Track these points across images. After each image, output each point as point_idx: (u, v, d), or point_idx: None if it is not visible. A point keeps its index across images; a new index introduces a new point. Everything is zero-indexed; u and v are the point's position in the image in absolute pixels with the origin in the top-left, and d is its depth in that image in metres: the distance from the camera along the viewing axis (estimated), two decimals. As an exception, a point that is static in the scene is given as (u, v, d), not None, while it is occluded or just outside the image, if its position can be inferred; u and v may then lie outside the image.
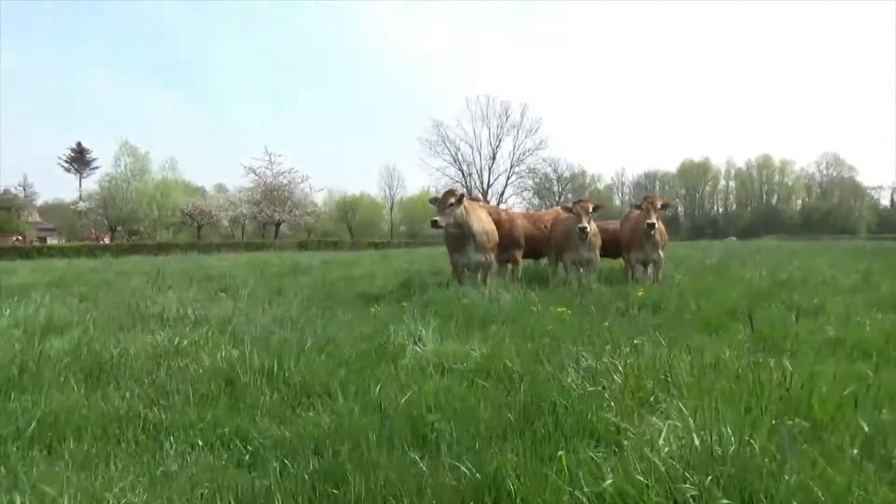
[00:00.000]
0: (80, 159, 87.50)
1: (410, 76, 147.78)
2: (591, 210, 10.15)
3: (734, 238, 73.26)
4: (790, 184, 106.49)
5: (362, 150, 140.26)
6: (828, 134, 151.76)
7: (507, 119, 79.59)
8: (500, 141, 79.97)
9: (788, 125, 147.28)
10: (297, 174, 68.21)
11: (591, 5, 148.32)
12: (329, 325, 5.96)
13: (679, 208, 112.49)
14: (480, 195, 78.50)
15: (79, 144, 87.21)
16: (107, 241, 58.23)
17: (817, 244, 31.04)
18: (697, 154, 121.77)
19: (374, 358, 4.39)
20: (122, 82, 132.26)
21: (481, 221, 9.83)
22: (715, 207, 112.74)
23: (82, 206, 71.26)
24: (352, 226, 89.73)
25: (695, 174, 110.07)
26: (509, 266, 11.86)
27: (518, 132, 79.44)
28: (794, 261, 15.53)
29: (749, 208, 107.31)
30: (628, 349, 4.26)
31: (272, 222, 68.07)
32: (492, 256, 10.02)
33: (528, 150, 79.56)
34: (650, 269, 10.82)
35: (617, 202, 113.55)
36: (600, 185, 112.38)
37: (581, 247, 10.31)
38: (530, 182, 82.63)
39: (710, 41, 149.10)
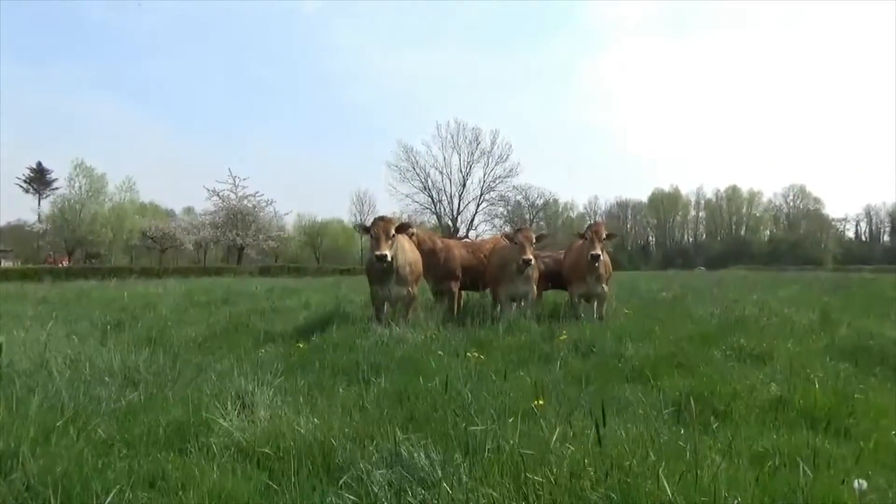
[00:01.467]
0: (39, 179, 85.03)
1: (385, 101, 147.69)
2: (534, 240, 9.25)
3: (703, 268, 73.41)
4: (758, 215, 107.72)
5: (336, 175, 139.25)
6: (794, 165, 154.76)
7: (477, 145, 79.03)
8: (470, 167, 79.33)
9: (757, 156, 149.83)
10: (262, 198, 66.76)
11: (561, 37, 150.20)
12: (179, 378, 4.87)
13: (650, 238, 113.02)
14: (450, 222, 77.76)
15: (39, 164, 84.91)
16: (66, 264, 56.09)
17: (782, 276, 30.58)
18: (668, 184, 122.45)
19: (163, 437, 3.31)
20: (93, 101, 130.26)
21: (405, 252, 8.89)
22: (685, 237, 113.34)
23: (38, 227, 68.92)
24: (319, 251, 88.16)
25: (665, 204, 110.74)
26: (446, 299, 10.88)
27: (488, 159, 78.90)
28: (754, 294, 14.79)
29: (719, 238, 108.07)
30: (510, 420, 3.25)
31: (235, 246, 66.38)
32: (415, 289, 9.07)
33: (499, 178, 78.92)
34: (595, 304, 9.91)
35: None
36: (573, 214, 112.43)
37: (517, 279, 9.38)
38: (501, 209, 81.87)
39: (678, 73, 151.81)
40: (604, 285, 9.59)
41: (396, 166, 78.01)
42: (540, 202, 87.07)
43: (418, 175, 78.33)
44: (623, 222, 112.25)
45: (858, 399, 4.61)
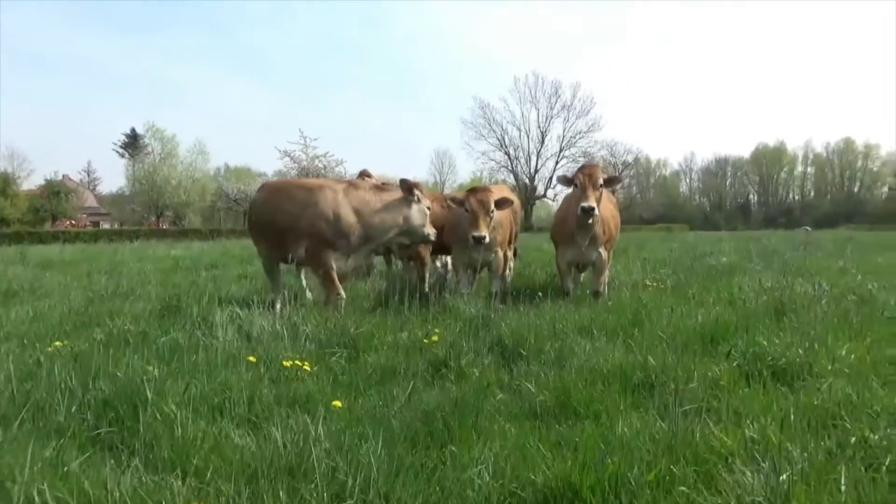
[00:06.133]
0: (133, 144, 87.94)
1: (461, 58, 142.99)
2: (492, 209, 6.72)
3: (808, 228, 66.58)
4: (875, 170, 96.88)
5: (416, 136, 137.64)
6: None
7: (557, 99, 74.51)
8: (549, 122, 75.04)
9: (873, 107, 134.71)
10: (333, 158, 65.63)
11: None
12: None
13: (751, 196, 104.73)
14: (527, 180, 74.31)
15: (132, 130, 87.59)
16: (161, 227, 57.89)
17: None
18: (772, 138, 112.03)
19: None
20: (191, 69, 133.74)
21: None
22: (791, 195, 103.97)
23: (126, 191, 71.46)
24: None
25: (769, 159, 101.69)
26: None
27: (569, 113, 74.26)
28: (840, 261, 11.53)
29: (828, 196, 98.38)
30: None
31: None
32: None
33: (580, 133, 74.14)
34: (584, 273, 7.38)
35: (684, 189, 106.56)
36: (666, 171, 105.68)
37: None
38: (584, 167, 76.99)
39: (781, 18, 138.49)
40: (601, 250, 7.01)
41: (472, 123, 75.07)
42: (629, 158, 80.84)
43: (494, 132, 75.03)
44: (722, 179, 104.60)
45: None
